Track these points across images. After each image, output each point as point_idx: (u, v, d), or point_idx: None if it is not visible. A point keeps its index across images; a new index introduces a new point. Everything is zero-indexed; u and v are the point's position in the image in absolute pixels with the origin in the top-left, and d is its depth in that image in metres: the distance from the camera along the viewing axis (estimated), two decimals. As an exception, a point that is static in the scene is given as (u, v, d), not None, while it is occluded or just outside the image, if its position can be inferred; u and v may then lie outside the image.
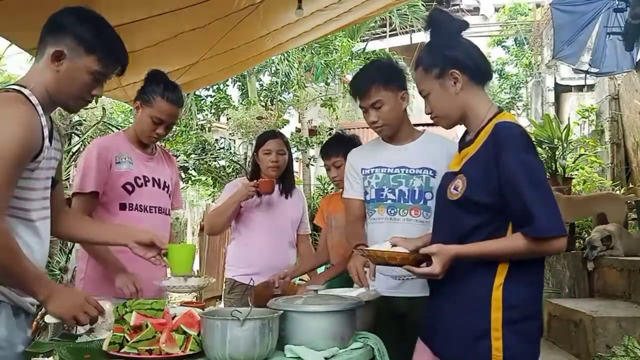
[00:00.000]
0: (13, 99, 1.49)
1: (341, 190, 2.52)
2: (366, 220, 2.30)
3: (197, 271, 5.38)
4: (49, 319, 1.50)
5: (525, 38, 14.41)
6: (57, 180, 1.71)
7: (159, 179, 2.43)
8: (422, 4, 11.25)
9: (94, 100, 1.85)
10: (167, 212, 2.47)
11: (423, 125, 3.81)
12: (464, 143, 1.75)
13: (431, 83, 1.71)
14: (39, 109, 1.52)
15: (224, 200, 2.87)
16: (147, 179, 2.37)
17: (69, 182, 4.61)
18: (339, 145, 2.76)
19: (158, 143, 2.56)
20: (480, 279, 1.60)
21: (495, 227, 1.59)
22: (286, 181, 2.97)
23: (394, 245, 1.71)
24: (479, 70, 1.71)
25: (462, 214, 1.65)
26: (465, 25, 1.73)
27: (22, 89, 1.52)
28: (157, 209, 2.38)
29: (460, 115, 1.72)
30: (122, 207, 2.30)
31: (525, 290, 1.59)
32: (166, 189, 2.46)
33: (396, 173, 2.23)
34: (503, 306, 1.56)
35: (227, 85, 11.21)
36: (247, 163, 9.71)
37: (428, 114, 1.80)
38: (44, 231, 1.62)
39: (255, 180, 2.81)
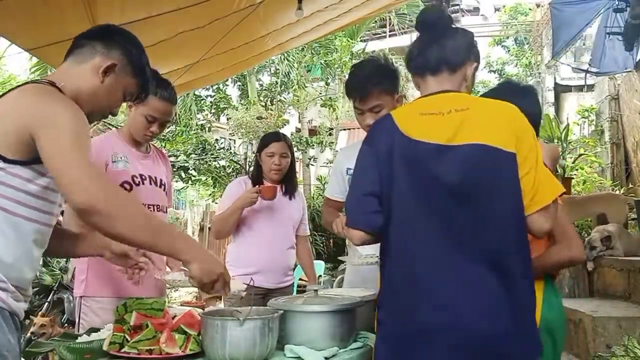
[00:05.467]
0: (55, 91, 1.44)
1: None
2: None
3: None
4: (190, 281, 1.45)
5: (525, 38, 14.40)
6: None
7: (155, 177, 2.43)
8: (422, 4, 11.24)
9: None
10: (165, 210, 2.48)
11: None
12: None
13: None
14: None
15: (227, 200, 2.87)
16: (144, 177, 2.37)
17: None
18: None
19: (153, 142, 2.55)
20: None
21: None
22: (289, 183, 2.99)
23: None
24: None
25: None
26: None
27: (56, 85, 1.47)
28: (155, 207, 2.38)
29: None
30: None
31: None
32: (162, 186, 2.46)
33: None
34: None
35: (227, 85, 11.20)
36: (247, 163, 9.70)
37: None
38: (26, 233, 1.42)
39: (257, 187, 2.81)
